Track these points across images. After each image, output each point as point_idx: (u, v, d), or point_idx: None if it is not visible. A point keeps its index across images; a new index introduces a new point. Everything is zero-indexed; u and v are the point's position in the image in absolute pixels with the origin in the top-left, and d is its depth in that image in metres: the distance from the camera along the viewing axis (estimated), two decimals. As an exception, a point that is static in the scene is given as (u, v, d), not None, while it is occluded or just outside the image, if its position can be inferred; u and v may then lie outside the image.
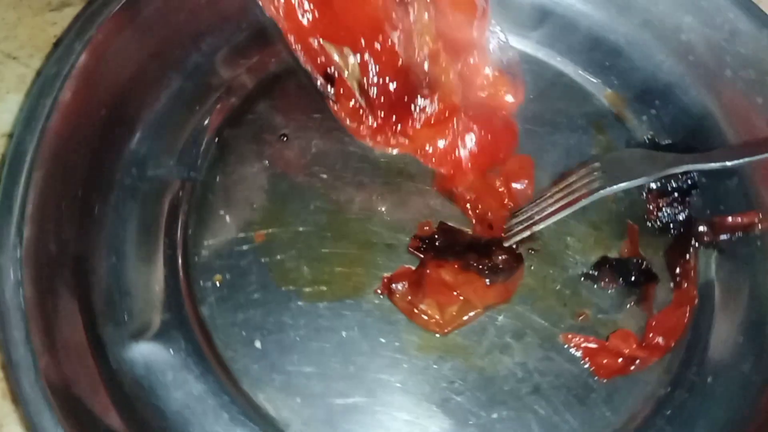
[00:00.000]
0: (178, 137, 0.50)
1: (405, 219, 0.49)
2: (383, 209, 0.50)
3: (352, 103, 0.50)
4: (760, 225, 0.48)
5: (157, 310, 0.45)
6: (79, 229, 0.44)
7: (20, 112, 0.43)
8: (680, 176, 0.49)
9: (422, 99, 0.49)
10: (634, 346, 0.46)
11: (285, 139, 0.51)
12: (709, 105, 0.52)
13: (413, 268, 0.48)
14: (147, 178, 0.48)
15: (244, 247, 0.48)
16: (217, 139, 0.50)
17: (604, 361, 0.46)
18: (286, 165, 0.50)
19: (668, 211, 0.50)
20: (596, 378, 0.46)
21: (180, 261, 0.47)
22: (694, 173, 0.49)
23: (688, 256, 0.48)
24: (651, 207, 0.51)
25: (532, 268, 0.49)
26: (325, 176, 0.50)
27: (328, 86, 0.50)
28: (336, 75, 0.49)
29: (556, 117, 0.54)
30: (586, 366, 0.46)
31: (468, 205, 0.50)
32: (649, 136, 0.53)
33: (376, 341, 0.46)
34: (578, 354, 0.46)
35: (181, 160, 0.49)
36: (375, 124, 0.51)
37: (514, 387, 0.45)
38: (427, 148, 0.51)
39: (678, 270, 0.48)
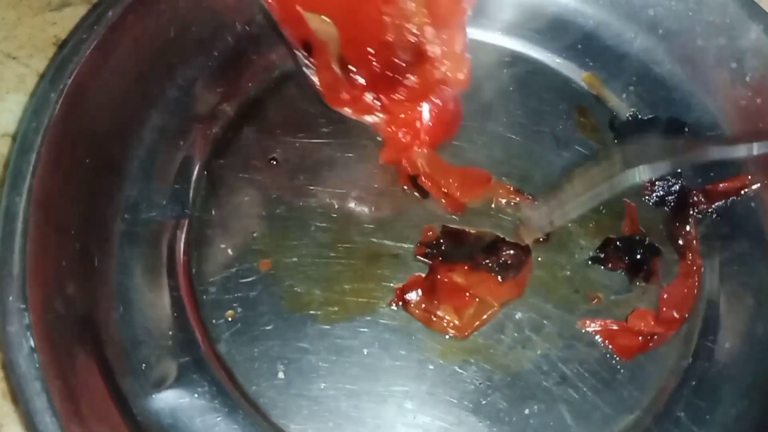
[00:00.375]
0: (166, 175, 0.48)
1: (407, 227, 0.49)
2: (384, 220, 0.49)
3: (330, 73, 0.50)
4: (750, 187, 0.49)
5: (174, 355, 0.44)
6: (83, 283, 0.42)
7: (6, 172, 0.41)
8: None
9: (407, 73, 0.49)
10: (652, 322, 0.46)
11: (275, 162, 0.50)
12: (685, 75, 0.53)
13: (423, 275, 0.48)
14: (141, 221, 0.47)
15: (251, 278, 0.47)
16: (206, 172, 0.49)
17: (624, 341, 0.46)
18: (280, 189, 0.50)
19: (661, 184, 0.51)
20: (619, 359, 0.46)
21: (188, 301, 0.46)
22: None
23: (688, 226, 0.49)
24: (645, 183, 0.51)
25: (540, 259, 0.49)
26: (320, 195, 0.50)
27: (307, 56, 0.49)
28: (315, 46, 0.49)
29: (540, 106, 0.54)
30: (608, 349, 0.46)
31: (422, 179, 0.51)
32: (631, 113, 0.54)
33: (398, 354, 0.46)
34: (598, 338, 0.47)
35: (173, 198, 0.48)
36: (349, 97, 0.51)
37: (541, 380, 0.46)
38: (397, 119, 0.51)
39: (680, 241, 0.49)
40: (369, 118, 0.52)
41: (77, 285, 0.42)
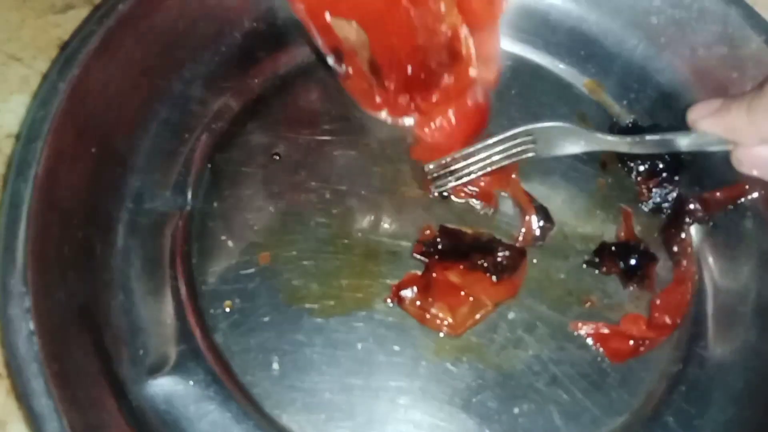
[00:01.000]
0: (170, 167, 0.49)
1: (405, 225, 0.50)
2: (383, 218, 0.50)
3: (362, 79, 0.51)
4: (747, 196, 0.50)
5: (172, 343, 0.45)
6: (84, 271, 0.43)
7: (12, 162, 0.42)
8: (667, 157, 0.51)
9: (441, 74, 0.50)
10: (644, 327, 0.47)
11: (277, 158, 0.51)
12: (686, 84, 0.54)
13: (420, 273, 0.48)
14: (144, 211, 0.47)
15: (250, 271, 0.48)
16: (209, 165, 0.50)
17: (616, 345, 0.47)
18: (282, 184, 0.50)
19: (658, 191, 0.51)
20: (610, 362, 0.47)
21: (188, 291, 0.47)
22: (683, 154, 0.50)
23: (683, 234, 0.50)
24: (642, 189, 0.52)
25: (535, 261, 0.49)
26: (321, 191, 0.50)
27: (339, 63, 0.50)
28: (345, 52, 0.49)
29: (540, 110, 0.54)
30: (599, 352, 0.47)
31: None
32: (631, 120, 0.55)
33: (392, 350, 0.46)
34: (589, 341, 0.47)
35: (176, 190, 0.49)
36: (384, 101, 0.52)
37: (532, 380, 0.46)
38: (433, 120, 0.52)
39: (675, 248, 0.50)
40: (406, 120, 0.53)
41: (78, 272, 0.43)
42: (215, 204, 0.49)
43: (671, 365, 0.47)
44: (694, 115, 0.45)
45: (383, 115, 0.53)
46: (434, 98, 0.51)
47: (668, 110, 0.54)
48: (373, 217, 0.50)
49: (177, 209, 0.48)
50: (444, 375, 0.46)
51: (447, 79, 0.50)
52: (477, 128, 0.53)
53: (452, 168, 0.50)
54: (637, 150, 0.48)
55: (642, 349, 0.47)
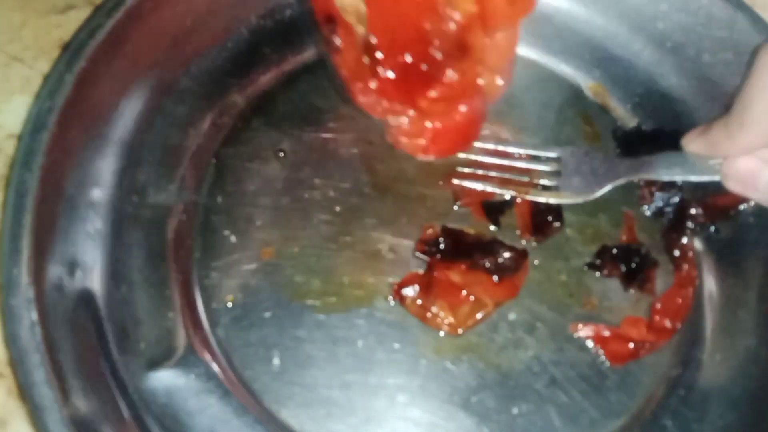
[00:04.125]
0: (175, 162, 0.49)
1: (407, 224, 0.50)
2: (385, 216, 0.50)
3: (353, 55, 0.46)
4: (749, 202, 0.50)
5: (173, 337, 0.45)
6: (87, 261, 0.43)
7: (17, 153, 0.42)
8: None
9: (448, 69, 0.47)
10: (644, 330, 0.47)
11: (282, 154, 0.51)
12: (691, 89, 0.54)
13: (421, 272, 0.48)
14: (149, 205, 0.48)
15: (253, 266, 0.48)
16: (214, 160, 0.50)
17: (616, 347, 0.47)
18: (286, 180, 0.51)
19: (661, 195, 0.51)
20: (609, 365, 0.47)
21: (190, 285, 0.47)
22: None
23: (685, 238, 0.50)
24: (644, 193, 0.52)
25: (536, 262, 0.49)
26: (325, 188, 0.51)
27: (330, 34, 0.45)
28: (339, 23, 0.45)
29: (544, 112, 0.55)
30: (599, 354, 0.47)
31: None
32: (635, 124, 0.55)
33: (392, 347, 0.47)
34: (589, 343, 0.47)
35: (181, 184, 0.49)
36: (376, 86, 0.47)
37: (531, 381, 0.46)
38: (427, 122, 0.49)
39: (676, 252, 0.50)
40: (391, 120, 0.49)
41: (81, 262, 0.43)
42: (219, 199, 0.49)
43: (671, 369, 0.47)
44: (685, 139, 0.47)
45: (370, 106, 0.48)
46: (432, 94, 0.47)
47: (673, 114, 0.54)
48: (375, 215, 0.50)
49: (181, 203, 0.49)
50: (444, 374, 0.46)
51: (450, 76, 0.47)
52: (465, 141, 0.52)
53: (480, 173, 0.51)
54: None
55: (642, 352, 0.47)
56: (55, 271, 0.41)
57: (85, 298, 0.42)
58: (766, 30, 0.50)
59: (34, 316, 0.38)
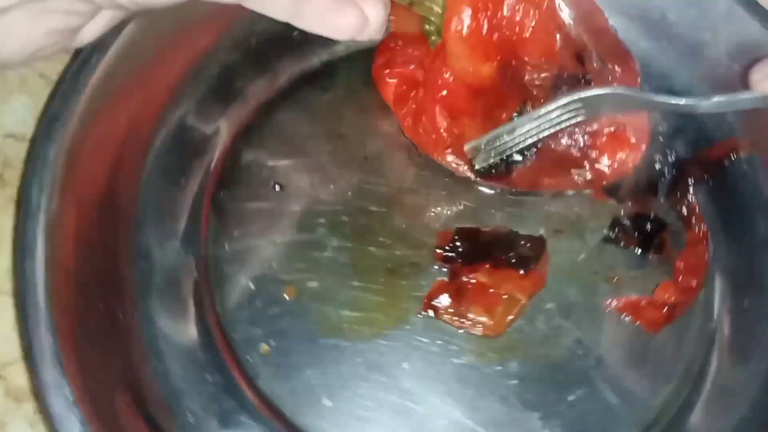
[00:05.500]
0: (174, 217, 0.47)
1: (422, 234, 0.49)
2: (398, 230, 0.49)
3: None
4: (740, 149, 0.51)
5: (216, 400, 0.43)
6: (113, 342, 0.41)
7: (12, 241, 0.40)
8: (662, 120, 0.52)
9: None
10: (675, 293, 0.48)
11: (279, 188, 0.49)
12: (661, 51, 0.54)
13: (447, 280, 0.48)
14: (157, 268, 0.45)
15: (278, 309, 0.46)
16: (211, 207, 0.48)
17: (650, 315, 0.47)
18: (289, 213, 0.49)
19: (658, 156, 0.52)
20: (647, 333, 0.48)
21: (219, 342, 0.45)
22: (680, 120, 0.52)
23: (688, 196, 0.51)
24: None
25: (554, 247, 0.50)
26: (329, 214, 0.49)
27: None
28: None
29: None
30: (636, 325, 0.48)
31: None
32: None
33: (437, 362, 0.46)
34: (624, 316, 0.48)
35: (185, 239, 0.47)
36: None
37: (579, 365, 0.46)
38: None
39: (683, 211, 0.51)
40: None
41: (108, 345, 0.41)
42: (227, 247, 0.47)
43: (704, 325, 0.48)
44: (756, 75, 0.43)
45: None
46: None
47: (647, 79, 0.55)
48: (387, 232, 0.49)
49: (191, 260, 0.46)
50: (494, 377, 0.46)
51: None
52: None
53: (496, 145, 0.48)
54: (694, 110, 0.46)
55: (676, 314, 0.48)
56: (86, 362, 0.38)
57: (124, 381, 0.40)
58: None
59: (80, 414, 0.36)
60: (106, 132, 0.43)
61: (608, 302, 0.48)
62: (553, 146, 0.48)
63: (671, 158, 0.52)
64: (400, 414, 0.44)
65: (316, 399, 0.44)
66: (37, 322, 0.37)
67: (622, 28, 0.55)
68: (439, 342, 0.46)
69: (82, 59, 0.42)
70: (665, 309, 0.48)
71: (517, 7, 0.45)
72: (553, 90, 0.47)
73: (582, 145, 0.48)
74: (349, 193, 0.50)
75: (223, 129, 0.50)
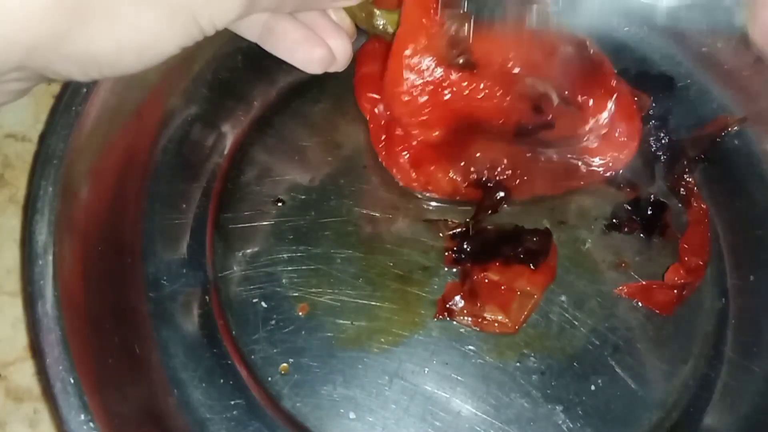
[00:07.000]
0: (179, 244, 0.46)
1: (429, 238, 0.49)
2: (404, 236, 0.49)
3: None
4: (731, 125, 0.52)
5: (241, 424, 0.42)
6: (133, 376, 0.40)
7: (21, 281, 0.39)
8: (653, 104, 0.52)
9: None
10: (684, 274, 0.48)
11: (281, 204, 0.49)
12: (642, 35, 0.55)
13: (458, 281, 0.48)
14: (167, 296, 0.45)
15: (293, 326, 0.46)
16: (216, 229, 0.48)
17: (662, 297, 0.48)
18: (294, 228, 0.48)
19: (652, 140, 0.53)
20: (660, 315, 0.48)
21: (238, 365, 0.44)
22: (670, 102, 0.52)
23: (685, 176, 0.52)
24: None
25: (560, 239, 0.50)
26: (335, 225, 0.49)
27: None
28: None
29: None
30: (647, 308, 0.48)
31: None
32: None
33: (458, 364, 0.46)
34: (636, 301, 0.48)
35: (192, 265, 0.46)
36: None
37: (597, 353, 0.47)
38: None
39: (682, 191, 0.51)
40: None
41: (128, 379, 0.40)
42: (235, 268, 0.47)
43: (714, 302, 0.49)
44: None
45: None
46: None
47: (632, 61, 0.55)
48: (394, 238, 0.49)
49: (199, 285, 0.46)
50: (515, 373, 0.46)
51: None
52: None
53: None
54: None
55: (685, 294, 0.48)
56: (108, 397, 0.37)
57: (147, 414, 0.39)
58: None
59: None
60: (104, 165, 0.42)
61: (619, 289, 0.49)
62: (544, 159, 0.49)
63: (665, 141, 0.53)
64: (425, 420, 0.44)
65: (341, 413, 0.44)
66: (56, 365, 0.36)
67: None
68: (458, 344, 0.46)
69: (72, 91, 0.41)
70: (675, 290, 0.48)
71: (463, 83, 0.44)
72: (516, 138, 0.48)
73: (575, 154, 0.49)
74: (352, 202, 0.50)
75: (219, 149, 0.50)
